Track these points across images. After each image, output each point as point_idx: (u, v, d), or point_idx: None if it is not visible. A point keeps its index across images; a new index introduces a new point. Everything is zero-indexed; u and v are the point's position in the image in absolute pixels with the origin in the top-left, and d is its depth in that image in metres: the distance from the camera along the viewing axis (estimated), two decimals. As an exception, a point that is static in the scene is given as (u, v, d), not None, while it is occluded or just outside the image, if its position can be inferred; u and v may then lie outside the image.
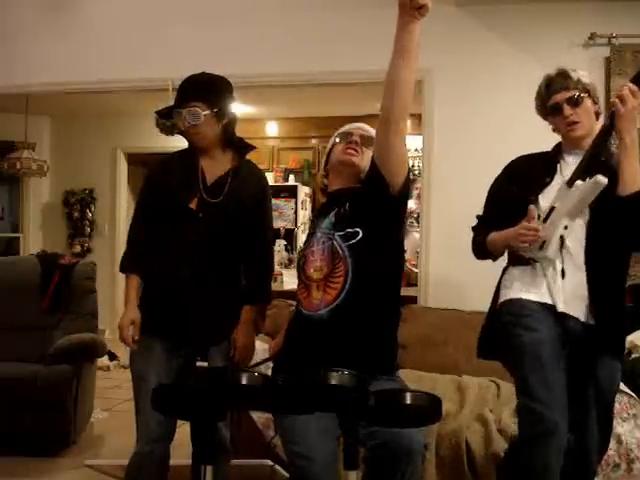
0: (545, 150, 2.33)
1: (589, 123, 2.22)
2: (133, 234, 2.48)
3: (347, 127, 2.35)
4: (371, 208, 2.14)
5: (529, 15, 3.91)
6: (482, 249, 2.30)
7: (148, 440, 2.28)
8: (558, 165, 2.25)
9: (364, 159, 2.24)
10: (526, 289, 2.19)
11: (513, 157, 2.40)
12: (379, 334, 2.18)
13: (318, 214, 2.34)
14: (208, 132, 2.34)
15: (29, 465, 3.36)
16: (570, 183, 2.10)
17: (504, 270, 2.32)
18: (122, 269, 2.45)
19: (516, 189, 2.23)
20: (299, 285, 2.25)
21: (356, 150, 2.25)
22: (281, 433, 2.10)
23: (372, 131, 2.27)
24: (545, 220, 2.13)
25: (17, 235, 7.50)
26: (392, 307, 2.26)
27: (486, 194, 2.38)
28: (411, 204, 5.69)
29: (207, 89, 2.37)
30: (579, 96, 2.19)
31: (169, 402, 1.67)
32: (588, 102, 2.21)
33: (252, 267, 2.47)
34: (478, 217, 2.38)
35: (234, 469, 2.52)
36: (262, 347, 3.14)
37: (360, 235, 2.12)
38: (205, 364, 2.26)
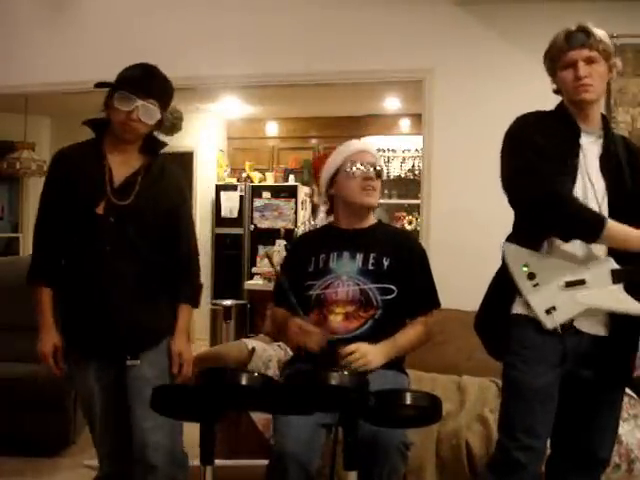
0: (548, 110, 2.05)
1: (600, 89, 2.03)
2: (39, 240, 2.26)
3: (356, 151, 2.37)
4: (406, 275, 2.35)
5: (529, 14, 3.90)
6: (593, 224, 1.87)
7: (113, 460, 2.26)
8: (580, 148, 1.99)
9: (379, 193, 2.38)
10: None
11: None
12: None
13: (329, 248, 2.36)
14: (144, 131, 2.19)
15: (29, 465, 3.36)
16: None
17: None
18: (29, 281, 2.23)
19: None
20: (316, 314, 2.32)
21: (374, 189, 2.33)
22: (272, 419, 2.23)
23: (375, 150, 2.43)
24: None
25: (17, 235, 7.49)
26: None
27: (512, 145, 1.97)
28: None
29: (165, 89, 2.24)
30: (597, 57, 1.99)
31: (168, 402, 1.67)
32: (605, 67, 2.01)
33: (174, 268, 2.26)
34: (528, 162, 1.92)
35: (234, 469, 2.51)
36: (262, 347, 3.14)
37: (395, 293, 2.32)
38: (137, 362, 2.14)
